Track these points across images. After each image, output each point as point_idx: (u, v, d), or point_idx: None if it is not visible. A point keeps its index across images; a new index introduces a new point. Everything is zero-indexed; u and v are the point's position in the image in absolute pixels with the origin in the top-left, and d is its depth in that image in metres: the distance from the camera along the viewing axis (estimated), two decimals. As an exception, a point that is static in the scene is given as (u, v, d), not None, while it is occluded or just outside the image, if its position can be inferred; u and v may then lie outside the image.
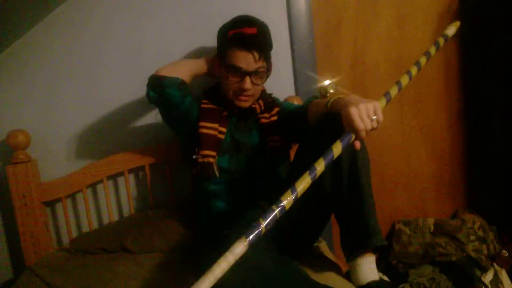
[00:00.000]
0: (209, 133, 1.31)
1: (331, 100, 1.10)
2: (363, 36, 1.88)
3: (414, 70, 1.12)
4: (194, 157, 1.30)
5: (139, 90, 1.58)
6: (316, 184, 0.95)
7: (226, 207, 1.34)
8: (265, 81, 1.34)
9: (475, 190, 2.11)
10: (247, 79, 1.26)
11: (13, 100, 1.54)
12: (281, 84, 1.68)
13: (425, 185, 2.05)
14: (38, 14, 1.49)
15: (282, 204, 0.87)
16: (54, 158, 1.57)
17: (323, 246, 1.44)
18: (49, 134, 1.56)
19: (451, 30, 1.25)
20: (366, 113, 0.94)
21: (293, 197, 0.88)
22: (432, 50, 1.18)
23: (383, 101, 1.03)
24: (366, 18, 1.87)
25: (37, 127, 1.53)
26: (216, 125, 1.32)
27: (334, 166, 1.07)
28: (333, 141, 0.96)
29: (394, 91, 1.06)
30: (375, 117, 0.95)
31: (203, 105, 1.36)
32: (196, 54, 1.59)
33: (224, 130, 1.34)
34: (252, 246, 0.82)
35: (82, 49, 1.56)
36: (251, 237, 0.82)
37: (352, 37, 1.87)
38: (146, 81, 1.36)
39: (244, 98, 1.31)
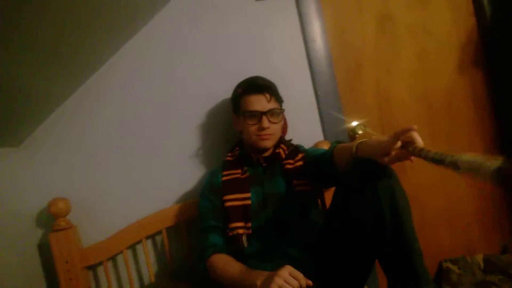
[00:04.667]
0: (234, 205, 1.34)
1: (355, 144, 1.11)
2: (385, 75, 1.89)
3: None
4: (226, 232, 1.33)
5: (172, 150, 1.65)
6: (359, 231, 0.95)
7: (260, 264, 1.28)
8: (281, 121, 1.42)
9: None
10: (264, 118, 1.36)
11: (53, 168, 1.61)
12: (309, 130, 1.70)
13: (469, 221, 1.96)
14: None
15: None
16: (94, 222, 1.60)
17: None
18: (88, 199, 1.61)
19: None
20: None
21: None
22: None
23: None
24: (387, 57, 1.89)
25: (77, 193, 1.59)
26: (238, 195, 1.35)
27: (375, 216, 1.06)
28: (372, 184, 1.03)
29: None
30: None
31: (223, 178, 1.40)
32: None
33: (248, 195, 1.35)
34: None
35: (121, 119, 1.65)
36: None
37: (374, 77, 1.88)
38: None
39: (265, 136, 1.38)
